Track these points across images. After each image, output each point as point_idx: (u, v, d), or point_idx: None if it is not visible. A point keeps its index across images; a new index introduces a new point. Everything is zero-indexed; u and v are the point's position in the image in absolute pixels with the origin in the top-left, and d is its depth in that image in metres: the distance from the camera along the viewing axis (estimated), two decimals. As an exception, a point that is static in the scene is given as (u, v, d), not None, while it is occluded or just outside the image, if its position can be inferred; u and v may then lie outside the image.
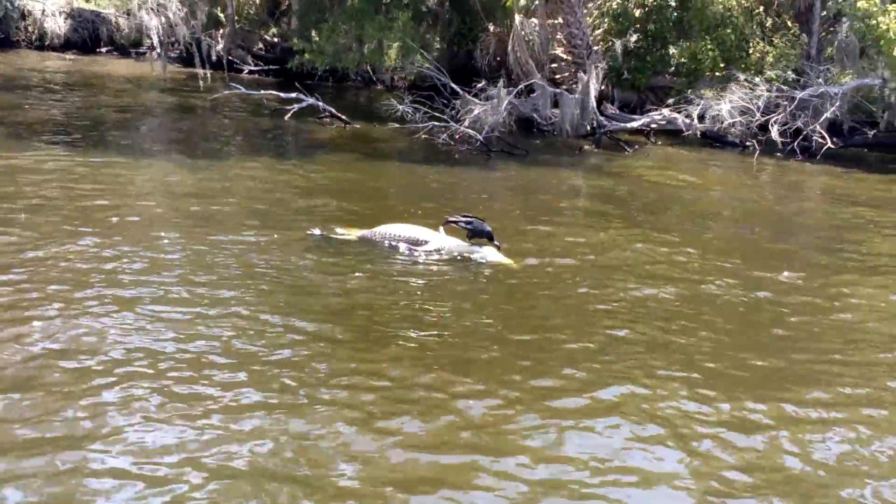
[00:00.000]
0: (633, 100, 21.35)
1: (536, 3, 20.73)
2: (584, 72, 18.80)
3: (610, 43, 20.66)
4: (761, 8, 20.39)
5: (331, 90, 22.69)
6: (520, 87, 17.73)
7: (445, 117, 16.54)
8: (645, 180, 15.16)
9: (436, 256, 9.15)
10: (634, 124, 18.53)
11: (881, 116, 19.51)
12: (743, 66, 19.77)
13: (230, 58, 23.48)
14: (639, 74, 20.98)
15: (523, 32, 19.92)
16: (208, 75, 19.58)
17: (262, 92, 18.17)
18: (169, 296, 7.21)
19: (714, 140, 19.06)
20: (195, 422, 5.21)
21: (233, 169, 12.90)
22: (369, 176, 13.84)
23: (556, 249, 9.85)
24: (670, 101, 19.63)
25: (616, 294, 8.35)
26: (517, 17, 20.03)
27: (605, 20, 21.37)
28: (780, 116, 18.06)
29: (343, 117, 17.78)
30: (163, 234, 8.97)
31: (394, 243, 9.26)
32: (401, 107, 17.05)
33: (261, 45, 25.31)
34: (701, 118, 18.49)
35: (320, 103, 17.53)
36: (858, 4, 18.40)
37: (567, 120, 17.40)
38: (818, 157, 17.75)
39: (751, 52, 20.12)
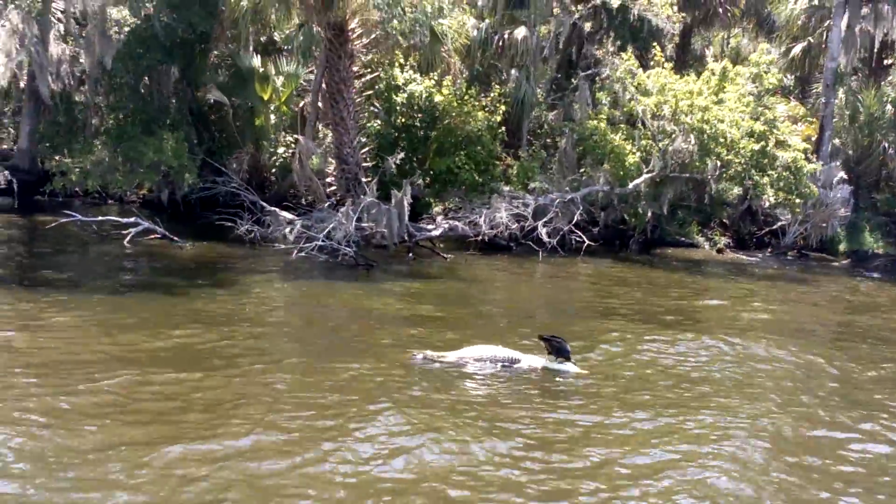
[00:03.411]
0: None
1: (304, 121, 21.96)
2: (349, 189, 20.64)
3: (376, 162, 22.45)
4: (503, 128, 23.66)
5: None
6: (363, 204, 18.70)
7: (315, 233, 17.05)
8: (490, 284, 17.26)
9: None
10: (435, 233, 20.37)
11: (599, 217, 23.84)
12: (490, 177, 22.84)
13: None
14: (392, 187, 22.96)
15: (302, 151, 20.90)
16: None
17: (101, 218, 16.89)
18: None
19: (489, 245, 21.48)
20: None
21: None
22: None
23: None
24: (445, 211, 21.82)
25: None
26: (301, 138, 20.96)
27: (367, 140, 23.08)
28: (547, 219, 21.21)
29: (177, 239, 17.29)
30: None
31: (490, 363, 10.22)
32: (245, 226, 17.23)
33: (-28, 167, 22.71)
34: (476, 224, 20.99)
35: (158, 227, 16.93)
36: (588, 123, 22.56)
37: (394, 232, 18.79)
38: (581, 252, 21.27)
39: (498, 166, 23.30)
